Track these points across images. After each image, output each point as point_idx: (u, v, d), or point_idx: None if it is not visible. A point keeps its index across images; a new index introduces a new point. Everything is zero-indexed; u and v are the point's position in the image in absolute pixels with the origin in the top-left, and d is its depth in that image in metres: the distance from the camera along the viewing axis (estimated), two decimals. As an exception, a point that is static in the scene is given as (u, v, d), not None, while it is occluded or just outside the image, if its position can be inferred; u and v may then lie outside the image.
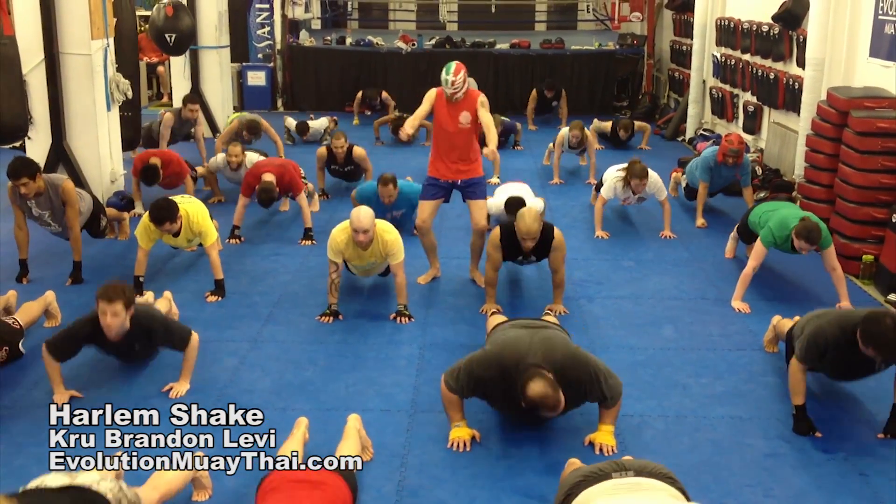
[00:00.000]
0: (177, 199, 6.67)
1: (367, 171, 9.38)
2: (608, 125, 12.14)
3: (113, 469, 4.02)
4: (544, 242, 6.05)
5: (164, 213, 6.36)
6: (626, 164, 8.13)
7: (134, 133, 9.57)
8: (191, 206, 6.64)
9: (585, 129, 10.25)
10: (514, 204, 7.43)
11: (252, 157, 8.96)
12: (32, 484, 3.27)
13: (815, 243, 6.11)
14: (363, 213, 5.94)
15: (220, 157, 9.11)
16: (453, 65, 6.44)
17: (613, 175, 8.20)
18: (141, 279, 6.49)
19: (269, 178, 7.89)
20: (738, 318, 6.26)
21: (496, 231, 6.18)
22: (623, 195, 8.13)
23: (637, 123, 12.34)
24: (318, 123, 12.52)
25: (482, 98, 6.56)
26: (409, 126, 6.53)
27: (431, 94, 6.60)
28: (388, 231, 6.15)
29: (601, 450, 4.46)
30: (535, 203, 7.75)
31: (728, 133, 8.38)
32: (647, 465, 3.35)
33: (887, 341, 4.30)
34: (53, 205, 6.71)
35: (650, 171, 8.10)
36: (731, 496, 4.11)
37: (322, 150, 9.37)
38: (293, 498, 3.47)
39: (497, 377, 4.39)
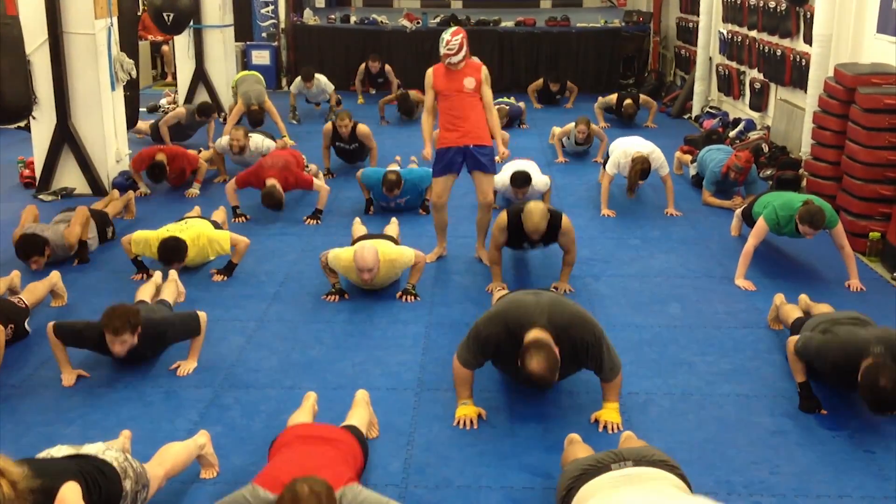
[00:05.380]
0: (179, 225, 6.62)
1: (372, 150, 9.34)
2: (613, 97, 12.09)
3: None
4: (551, 230, 6.03)
5: (172, 255, 6.29)
6: (632, 150, 8.04)
7: (132, 112, 9.54)
8: (193, 232, 6.53)
9: (592, 123, 10.17)
10: (520, 178, 7.43)
11: (257, 141, 8.90)
12: (40, 455, 3.32)
13: (819, 227, 6.09)
14: (367, 253, 5.85)
15: (226, 138, 9.08)
16: (453, 28, 6.50)
17: (619, 150, 8.17)
18: (139, 259, 6.49)
19: (272, 182, 7.82)
20: (744, 295, 6.26)
21: (503, 216, 6.14)
22: (627, 171, 8.11)
23: (643, 97, 12.27)
24: (325, 81, 12.39)
25: (486, 71, 6.55)
26: (427, 141, 6.68)
27: (429, 76, 6.60)
28: (389, 251, 6.09)
29: (606, 427, 4.47)
30: (541, 179, 7.74)
31: (740, 149, 8.32)
32: (645, 453, 3.27)
33: (879, 398, 4.26)
34: (63, 257, 6.74)
35: (653, 146, 8.09)
36: (736, 473, 4.13)
37: (328, 126, 9.36)
38: (306, 452, 3.48)
39: (502, 333, 4.39)
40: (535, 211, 5.94)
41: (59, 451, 3.37)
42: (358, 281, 6.14)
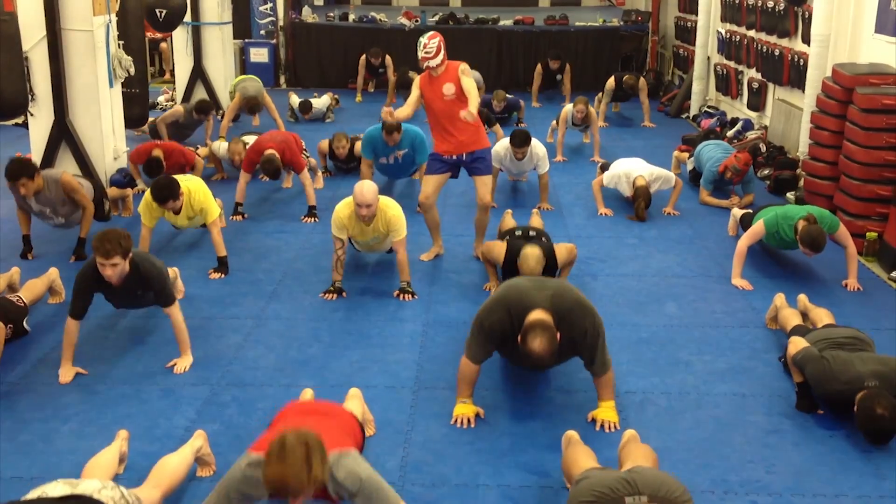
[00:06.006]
0: (178, 177, 6.66)
1: None
2: (611, 81, 12.10)
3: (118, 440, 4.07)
4: (548, 268, 5.91)
5: (167, 192, 6.35)
6: (634, 174, 8.05)
7: (142, 110, 9.51)
8: (192, 184, 6.63)
9: (590, 105, 10.19)
10: (520, 135, 7.49)
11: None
12: (33, 494, 3.24)
13: (819, 251, 6.08)
14: (366, 188, 5.93)
15: (224, 145, 9.05)
16: (430, 32, 6.44)
17: (622, 169, 8.15)
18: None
19: (271, 151, 7.91)
20: (741, 295, 6.26)
21: (502, 249, 5.99)
22: (624, 189, 8.10)
23: (641, 80, 12.26)
24: (321, 102, 12.46)
25: (463, 66, 6.43)
26: (400, 112, 6.44)
27: (416, 79, 6.57)
28: (391, 207, 6.14)
29: (604, 426, 4.48)
30: (540, 145, 7.84)
31: (740, 150, 8.36)
32: (661, 487, 3.16)
33: (877, 427, 4.28)
34: (54, 200, 6.73)
35: (653, 169, 8.11)
36: (733, 472, 4.13)
37: (324, 144, 9.32)
38: (302, 422, 3.47)
39: (505, 318, 4.39)
40: (531, 256, 5.68)
41: (55, 488, 3.27)
42: (356, 232, 6.15)
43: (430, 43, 6.29)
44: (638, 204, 7.88)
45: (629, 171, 8.08)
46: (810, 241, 6.05)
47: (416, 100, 6.55)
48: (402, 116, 6.46)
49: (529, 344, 4.14)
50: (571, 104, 10.19)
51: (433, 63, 6.31)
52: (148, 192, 6.45)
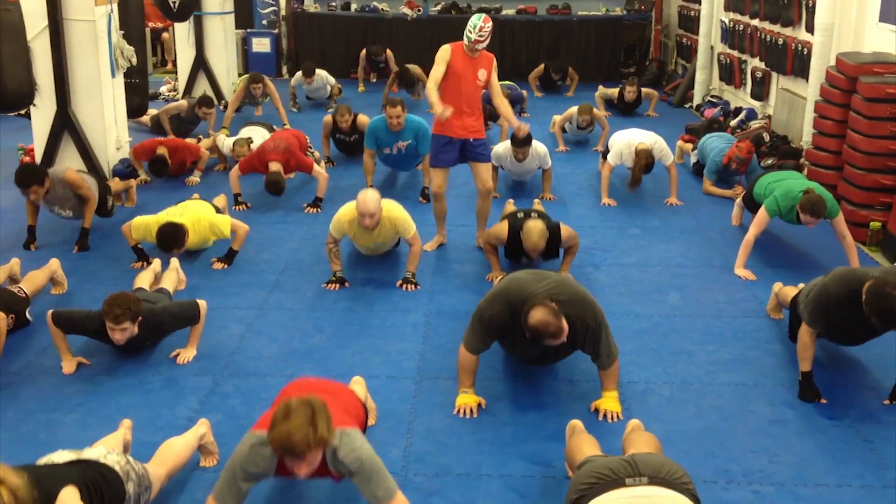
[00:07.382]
0: (178, 210, 6.56)
1: None
2: (614, 91, 12.05)
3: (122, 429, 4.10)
4: (551, 245, 6.02)
5: (171, 241, 6.22)
6: (635, 142, 8.05)
7: (141, 100, 9.50)
8: (193, 214, 6.48)
9: (595, 109, 10.14)
10: (520, 138, 7.43)
11: (258, 143, 8.85)
12: (40, 461, 3.29)
13: (820, 217, 6.08)
14: (369, 197, 5.91)
15: (228, 142, 9.05)
16: (482, 14, 6.36)
17: (621, 141, 8.16)
18: (139, 246, 6.48)
19: (275, 167, 7.83)
20: (744, 285, 6.25)
21: (503, 227, 6.14)
22: (630, 161, 8.10)
23: (644, 90, 12.24)
24: (326, 75, 12.37)
25: (495, 62, 6.55)
26: (437, 102, 6.14)
27: (446, 51, 6.34)
28: (394, 209, 6.12)
29: (607, 416, 4.48)
30: (541, 145, 7.80)
31: (742, 139, 8.36)
32: (662, 469, 3.19)
33: (886, 309, 4.28)
34: (62, 197, 6.77)
35: (655, 136, 8.09)
36: (735, 462, 4.14)
37: (328, 118, 9.34)
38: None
39: (505, 312, 4.41)
40: (534, 230, 5.90)
41: (61, 456, 3.32)
42: (358, 236, 6.17)
43: (486, 26, 6.22)
44: (637, 161, 7.88)
45: (629, 140, 8.11)
46: (811, 208, 6.06)
47: (441, 75, 6.29)
48: (440, 103, 6.17)
49: (531, 317, 4.17)
50: (577, 108, 10.09)
51: (480, 47, 6.31)
52: (154, 230, 6.26)
